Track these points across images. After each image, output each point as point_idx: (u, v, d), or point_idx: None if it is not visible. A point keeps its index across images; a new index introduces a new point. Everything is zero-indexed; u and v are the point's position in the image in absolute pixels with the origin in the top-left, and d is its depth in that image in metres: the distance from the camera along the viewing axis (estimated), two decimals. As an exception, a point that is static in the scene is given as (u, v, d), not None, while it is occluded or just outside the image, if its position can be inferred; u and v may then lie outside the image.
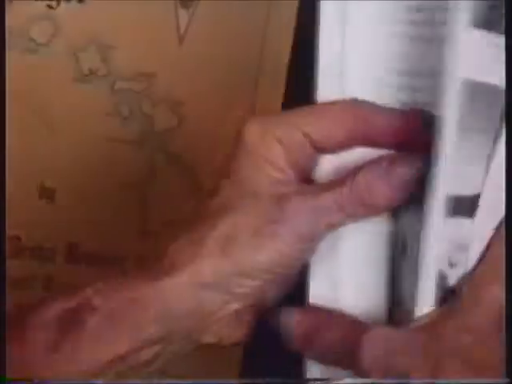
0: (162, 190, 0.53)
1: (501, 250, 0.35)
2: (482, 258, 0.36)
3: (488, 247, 0.36)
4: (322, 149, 0.38)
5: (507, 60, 0.34)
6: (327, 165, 0.38)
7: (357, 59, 0.38)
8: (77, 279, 0.52)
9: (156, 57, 0.54)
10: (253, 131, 0.38)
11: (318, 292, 0.38)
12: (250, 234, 0.36)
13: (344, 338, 0.36)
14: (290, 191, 0.36)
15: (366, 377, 0.34)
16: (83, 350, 0.35)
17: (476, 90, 0.35)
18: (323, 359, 0.37)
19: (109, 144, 0.53)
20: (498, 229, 0.36)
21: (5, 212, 0.43)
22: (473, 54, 0.34)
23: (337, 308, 0.38)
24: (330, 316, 0.37)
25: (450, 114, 0.34)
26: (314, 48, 0.39)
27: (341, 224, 0.37)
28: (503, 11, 0.34)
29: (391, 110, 0.37)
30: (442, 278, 0.35)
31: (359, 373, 0.35)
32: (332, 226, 0.36)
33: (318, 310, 0.38)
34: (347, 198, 0.36)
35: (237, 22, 0.53)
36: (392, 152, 0.37)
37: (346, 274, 0.38)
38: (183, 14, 0.54)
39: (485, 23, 0.34)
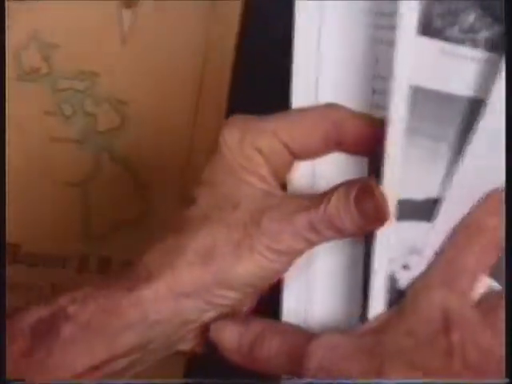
0: (106, 190, 0.53)
1: (450, 255, 0.36)
2: (431, 263, 0.36)
3: (439, 251, 0.36)
4: (298, 156, 0.38)
5: (507, 69, 0.35)
6: (301, 169, 0.38)
7: (332, 63, 0.38)
8: (20, 280, 0.52)
9: (99, 56, 0.53)
10: (230, 140, 0.37)
11: (291, 306, 0.38)
12: (229, 246, 0.36)
13: (289, 347, 0.36)
14: (271, 204, 0.36)
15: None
16: (57, 359, 0.35)
17: (424, 97, 0.35)
18: (267, 370, 0.37)
19: (51, 143, 0.53)
20: (450, 234, 0.36)
21: (5, 217, 0.42)
22: (420, 61, 0.35)
23: (310, 321, 0.38)
24: (273, 326, 0.37)
25: (398, 119, 0.35)
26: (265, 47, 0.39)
27: (317, 243, 0.37)
28: (451, 19, 0.35)
29: (366, 117, 0.37)
30: (393, 280, 0.36)
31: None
32: (308, 244, 0.37)
33: (258, 321, 0.37)
34: (320, 221, 0.36)
35: (180, 22, 0.53)
36: (364, 178, 0.37)
37: (319, 288, 0.38)
38: (126, 14, 0.54)
39: (432, 30, 0.35)
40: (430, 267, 0.36)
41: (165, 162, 0.53)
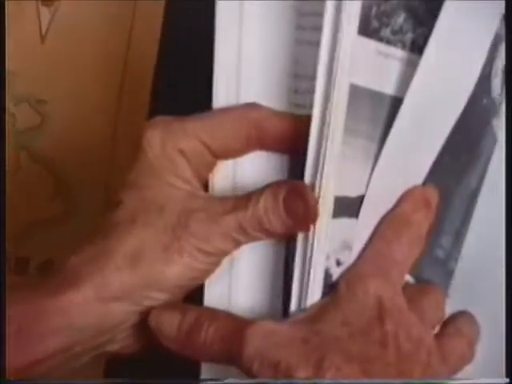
0: (25, 189, 0.52)
1: (379, 247, 0.37)
2: (360, 255, 0.37)
3: (367, 245, 0.38)
4: (220, 156, 0.38)
5: (507, 69, 0.36)
6: (222, 168, 0.39)
7: (253, 62, 0.38)
8: None
9: (17, 55, 0.53)
10: (153, 143, 0.37)
11: (213, 304, 0.38)
12: (158, 249, 0.36)
13: (225, 334, 0.36)
14: (197, 206, 0.37)
15: (249, 371, 0.35)
16: None
17: (359, 95, 0.36)
18: (204, 357, 0.37)
19: (-32, 143, 0.52)
20: (377, 227, 0.38)
21: (5, 217, 0.41)
22: (358, 60, 0.35)
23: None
24: (210, 313, 0.37)
25: (335, 117, 0.35)
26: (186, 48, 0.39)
27: (245, 243, 0.37)
28: (385, 20, 0.36)
29: (286, 115, 0.38)
30: (328, 276, 0.37)
31: (242, 367, 0.35)
32: (236, 245, 0.37)
33: (195, 309, 0.38)
34: (248, 222, 0.36)
35: (101, 20, 0.53)
36: (293, 181, 0.37)
37: (241, 286, 0.39)
38: (45, 13, 0.53)
39: (368, 31, 0.36)
40: (360, 259, 0.37)
41: (86, 160, 0.53)
